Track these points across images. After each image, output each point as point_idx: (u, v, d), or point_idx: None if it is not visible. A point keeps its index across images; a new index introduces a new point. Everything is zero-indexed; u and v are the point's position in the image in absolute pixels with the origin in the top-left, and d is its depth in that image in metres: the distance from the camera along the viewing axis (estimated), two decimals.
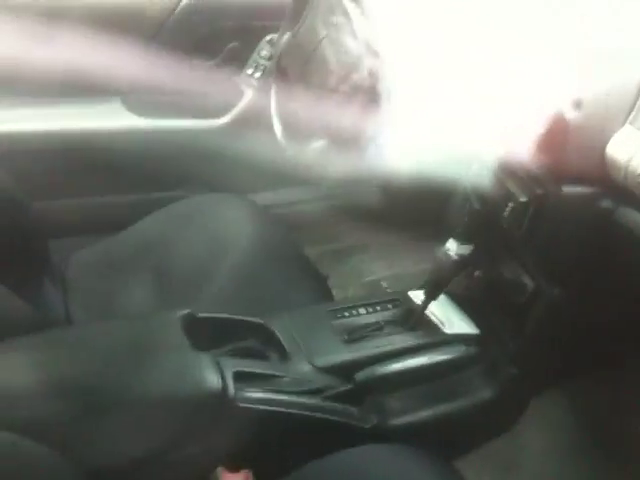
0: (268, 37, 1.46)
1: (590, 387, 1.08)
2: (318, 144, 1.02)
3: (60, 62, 1.30)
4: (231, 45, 1.46)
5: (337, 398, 0.85)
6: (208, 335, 0.86)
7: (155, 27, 1.37)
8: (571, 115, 0.79)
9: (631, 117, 0.79)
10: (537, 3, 0.86)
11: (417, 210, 1.59)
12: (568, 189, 0.82)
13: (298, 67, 1.10)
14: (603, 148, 0.79)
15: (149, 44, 1.38)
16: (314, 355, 0.88)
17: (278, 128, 1.17)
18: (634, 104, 0.79)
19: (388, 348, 0.92)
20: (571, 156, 0.81)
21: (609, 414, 1.07)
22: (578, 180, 0.82)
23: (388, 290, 1.47)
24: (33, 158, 1.32)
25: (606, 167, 0.80)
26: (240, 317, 0.90)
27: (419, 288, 1.03)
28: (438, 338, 0.95)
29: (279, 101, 1.19)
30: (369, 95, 0.94)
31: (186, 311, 0.86)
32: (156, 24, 1.36)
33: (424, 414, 0.91)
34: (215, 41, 1.45)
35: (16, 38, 1.25)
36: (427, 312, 0.98)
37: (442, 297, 0.99)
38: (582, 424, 1.09)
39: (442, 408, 0.92)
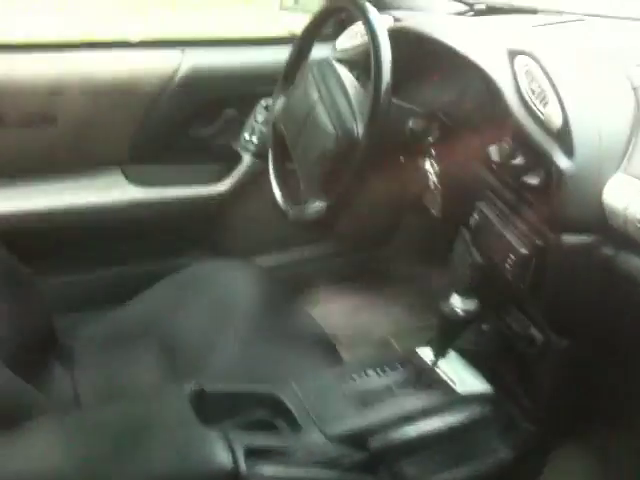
0: (263, 102, 1.49)
1: (608, 435, 1.05)
2: (317, 205, 1.03)
3: (60, 136, 1.34)
4: (227, 112, 1.49)
5: (352, 468, 0.83)
6: (217, 408, 0.85)
7: (153, 98, 1.39)
8: (565, 164, 0.79)
9: (624, 163, 0.80)
10: None
11: (419, 264, 1.60)
12: (568, 238, 0.81)
13: (293, 131, 1.12)
14: (599, 195, 0.80)
15: (148, 114, 1.41)
16: (326, 423, 0.86)
17: (277, 191, 1.18)
18: (625, 151, 0.80)
19: (401, 412, 0.90)
20: (568, 204, 0.81)
21: (628, 461, 1.04)
22: (577, 228, 0.81)
23: (397, 348, 1.46)
24: (35, 234, 1.33)
25: (604, 214, 0.80)
26: (249, 388, 0.89)
27: (427, 344, 1.02)
28: (451, 398, 0.94)
29: (276, 165, 1.21)
30: (363, 155, 0.96)
31: (194, 386, 0.85)
32: (154, 95, 1.39)
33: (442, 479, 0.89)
34: (212, 108, 1.48)
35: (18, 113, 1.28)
36: (438, 370, 0.97)
37: (451, 353, 0.98)
38: (602, 473, 1.06)
39: (460, 472, 0.90)
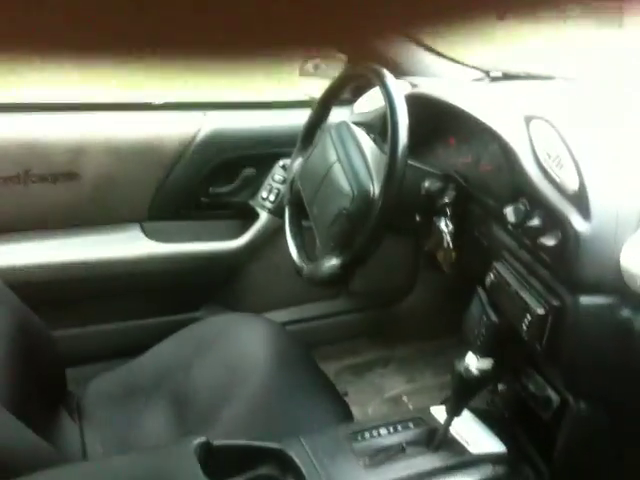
0: (281, 162, 1.52)
1: None
2: (332, 263, 1.03)
3: (82, 193, 1.37)
4: (246, 171, 1.52)
5: None
6: (224, 464, 0.83)
7: (174, 158, 1.43)
8: (581, 226, 0.80)
9: None
10: None
11: (434, 322, 1.59)
12: (585, 299, 0.81)
13: (310, 190, 1.14)
14: (617, 257, 0.80)
15: (169, 173, 1.44)
16: None
17: (293, 248, 1.19)
18: None
19: (412, 472, 0.88)
20: (585, 266, 0.81)
21: None
22: (594, 289, 0.81)
23: (409, 406, 1.44)
24: (51, 287, 1.35)
25: (621, 276, 0.79)
26: (257, 443, 0.88)
27: (441, 403, 1.00)
28: (464, 459, 0.92)
29: (293, 222, 1.23)
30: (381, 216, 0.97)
31: (202, 440, 0.83)
32: (175, 155, 1.43)
33: None
34: (231, 168, 1.51)
35: (42, 171, 1.32)
36: (451, 430, 0.95)
37: (466, 413, 0.96)
38: None
39: None
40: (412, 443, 0.94)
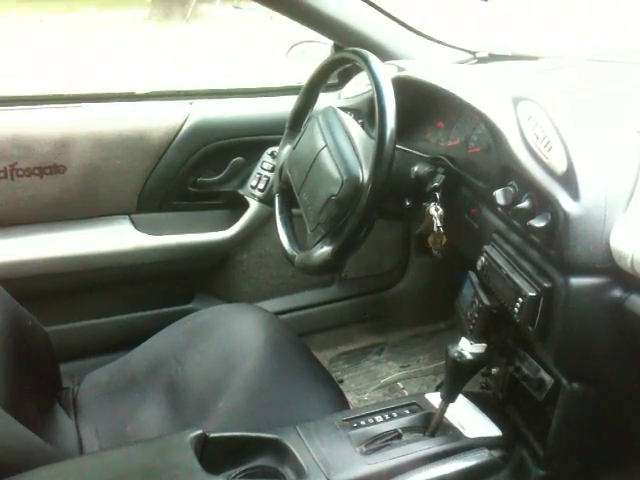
0: (270, 150, 1.51)
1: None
2: (323, 250, 1.03)
3: (69, 185, 1.35)
4: (235, 159, 1.51)
5: None
6: (221, 455, 0.84)
7: (161, 148, 1.42)
8: (570, 207, 0.80)
9: (630, 206, 0.80)
10: None
11: (427, 307, 1.59)
12: (576, 280, 0.81)
13: (299, 177, 1.13)
14: (606, 238, 0.79)
15: (156, 163, 1.43)
16: (331, 470, 0.85)
17: (283, 237, 1.19)
18: (631, 194, 0.80)
19: (408, 458, 0.88)
20: (575, 247, 0.81)
21: None
22: (585, 270, 0.81)
23: (405, 392, 1.44)
24: (42, 281, 1.34)
25: (612, 256, 0.79)
26: (253, 434, 0.88)
27: (436, 389, 1.00)
28: (460, 443, 0.92)
29: (282, 210, 1.22)
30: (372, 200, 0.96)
31: (197, 432, 0.84)
32: (162, 146, 1.41)
33: None
34: (219, 157, 1.50)
35: (28, 164, 1.31)
36: (446, 415, 0.95)
37: (460, 398, 0.96)
38: None
39: None
40: (408, 429, 0.94)
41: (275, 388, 1.04)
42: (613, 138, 0.85)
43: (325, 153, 1.06)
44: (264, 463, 0.86)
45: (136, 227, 1.45)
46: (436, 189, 1.04)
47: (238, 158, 1.51)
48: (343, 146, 1.04)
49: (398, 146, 0.97)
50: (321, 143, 1.08)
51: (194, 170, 1.48)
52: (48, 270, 1.36)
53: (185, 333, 1.19)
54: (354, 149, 1.03)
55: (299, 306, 1.62)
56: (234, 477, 0.80)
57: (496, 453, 0.92)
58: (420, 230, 1.08)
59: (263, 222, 1.51)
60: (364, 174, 0.99)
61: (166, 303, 1.49)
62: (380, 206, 0.96)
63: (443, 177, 1.05)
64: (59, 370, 1.15)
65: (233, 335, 1.14)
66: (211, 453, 0.82)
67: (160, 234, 1.46)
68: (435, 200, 1.04)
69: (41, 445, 0.86)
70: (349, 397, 1.14)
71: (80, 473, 0.82)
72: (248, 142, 1.51)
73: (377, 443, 0.91)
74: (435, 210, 1.03)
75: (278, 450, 0.88)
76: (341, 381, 1.18)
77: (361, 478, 0.85)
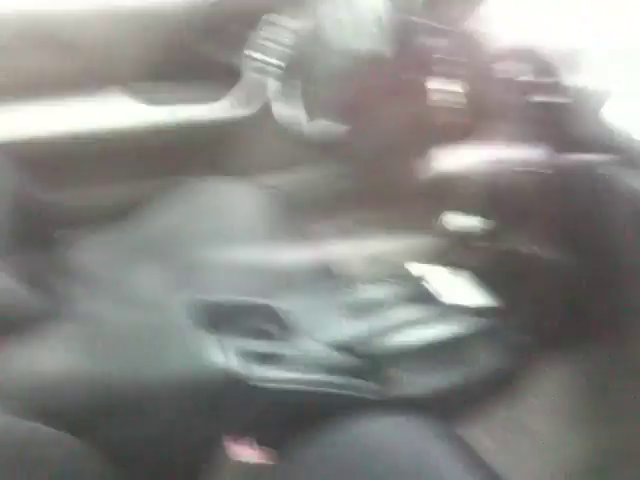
0: (269, 18, 1.45)
1: (593, 352, 1.07)
2: (324, 124, 1.02)
3: (66, 57, 1.32)
4: (232, 28, 1.45)
5: (343, 373, 0.86)
6: (213, 318, 0.87)
7: (156, 17, 1.37)
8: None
9: None
10: None
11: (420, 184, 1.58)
12: (572, 157, 0.81)
13: (302, 49, 1.09)
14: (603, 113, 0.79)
15: (152, 34, 1.38)
16: (320, 332, 0.89)
17: (282, 110, 1.16)
18: None
19: (391, 322, 0.92)
20: (571, 123, 0.80)
21: (610, 378, 1.06)
22: (581, 147, 0.81)
23: (390, 263, 1.46)
24: (40, 150, 1.33)
25: (608, 133, 0.79)
26: (244, 298, 0.91)
27: (423, 260, 1.02)
28: (442, 310, 0.95)
29: (282, 83, 1.19)
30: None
31: (191, 295, 0.87)
32: (156, 15, 1.36)
33: (434, 385, 0.91)
34: (216, 25, 1.44)
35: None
36: (433, 284, 0.98)
37: (446, 269, 0.99)
38: (585, 388, 1.09)
39: (453, 378, 0.92)
40: (391, 297, 0.97)
41: (266, 257, 1.06)
42: None
43: (332, 25, 1.02)
44: (254, 325, 0.90)
45: (131, 96, 1.43)
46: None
47: (236, 26, 1.45)
48: (352, 18, 1.00)
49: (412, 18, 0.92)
50: (328, 15, 1.04)
51: (190, 39, 1.43)
52: (44, 141, 1.35)
53: (180, 205, 1.20)
54: (363, 22, 0.99)
55: (294, 181, 1.60)
56: (226, 336, 0.84)
57: (477, 321, 0.95)
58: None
59: (261, 94, 1.48)
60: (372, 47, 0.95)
61: (160, 175, 1.48)
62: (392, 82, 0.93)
63: None
64: (57, 238, 1.17)
65: (228, 209, 1.16)
66: (203, 315, 0.86)
67: (155, 105, 1.44)
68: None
69: (39, 304, 0.90)
70: (335, 268, 1.15)
71: (77, 330, 0.87)
72: (247, 9, 1.44)
73: (361, 309, 0.94)
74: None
75: (268, 314, 0.91)
76: (329, 253, 1.19)
77: (347, 340, 0.89)
